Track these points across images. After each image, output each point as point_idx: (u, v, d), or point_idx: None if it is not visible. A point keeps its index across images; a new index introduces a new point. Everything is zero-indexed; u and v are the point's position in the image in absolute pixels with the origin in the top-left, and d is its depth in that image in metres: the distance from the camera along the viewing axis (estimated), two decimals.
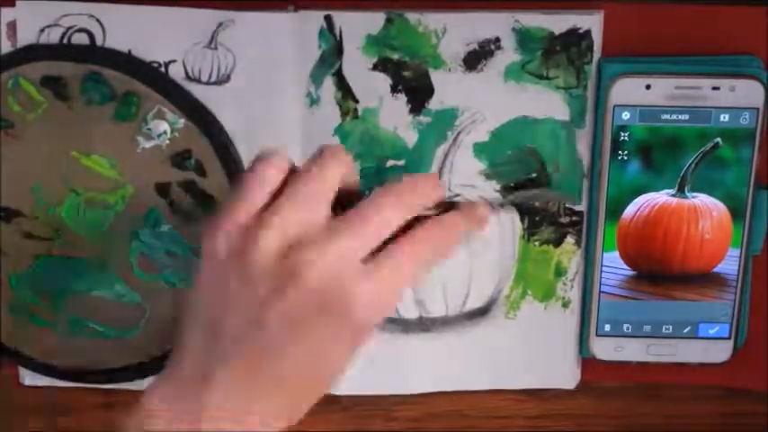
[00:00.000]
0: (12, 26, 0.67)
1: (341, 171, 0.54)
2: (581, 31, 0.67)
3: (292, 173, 0.54)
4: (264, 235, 0.52)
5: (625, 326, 0.73)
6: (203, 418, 0.52)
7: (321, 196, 0.53)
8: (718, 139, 0.68)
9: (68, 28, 0.67)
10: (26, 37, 0.67)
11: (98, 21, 0.67)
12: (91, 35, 0.67)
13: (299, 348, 0.52)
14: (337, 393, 0.75)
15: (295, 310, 0.52)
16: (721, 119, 0.67)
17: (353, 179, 0.56)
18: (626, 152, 0.68)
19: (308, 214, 0.53)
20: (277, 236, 0.52)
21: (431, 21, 0.67)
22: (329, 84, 0.68)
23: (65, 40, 0.67)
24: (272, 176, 0.54)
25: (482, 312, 0.73)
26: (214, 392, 0.52)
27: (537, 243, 0.71)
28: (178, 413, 0.52)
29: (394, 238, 0.54)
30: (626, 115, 0.67)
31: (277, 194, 0.53)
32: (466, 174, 0.70)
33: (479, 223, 0.58)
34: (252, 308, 0.52)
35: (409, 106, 0.69)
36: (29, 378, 0.75)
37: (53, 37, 0.67)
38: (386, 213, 0.53)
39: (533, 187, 0.70)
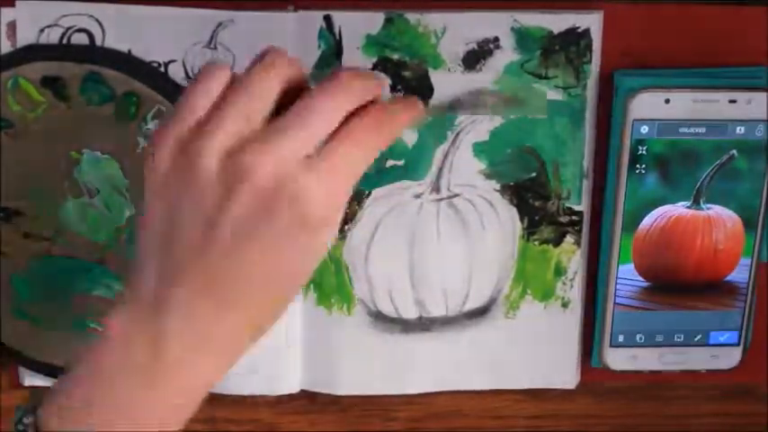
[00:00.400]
0: (11, 26, 0.67)
1: (283, 72, 0.53)
2: (580, 30, 0.67)
3: (234, 82, 0.53)
4: (206, 144, 0.51)
5: (638, 336, 0.73)
6: (161, 346, 0.51)
7: (263, 99, 0.52)
8: (734, 152, 0.68)
9: (68, 28, 0.67)
10: (26, 37, 0.67)
11: (98, 21, 0.67)
12: (90, 35, 0.67)
13: (256, 253, 0.51)
14: (337, 393, 0.75)
15: (246, 213, 0.50)
16: (737, 131, 0.68)
17: (300, 76, 0.54)
18: (643, 166, 0.68)
19: (250, 119, 0.51)
20: (219, 143, 0.51)
21: (430, 21, 0.67)
22: None
23: (64, 41, 0.67)
24: (212, 88, 0.52)
25: (482, 312, 0.73)
26: (172, 315, 0.51)
27: (536, 243, 0.72)
28: (136, 341, 0.51)
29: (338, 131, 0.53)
30: (645, 129, 0.68)
31: (219, 104, 0.52)
32: (466, 173, 0.70)
33: (417, 109, 0.57)
34: (201, 218, 0.51)
35: None
36: (29, 378, 0.75)
37: (53, 37, 0.67)
38: (327, 106, 0.52)
39: (533, 187, 0.70)
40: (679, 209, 0.70)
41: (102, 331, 0.52)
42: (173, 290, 0.51)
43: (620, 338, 0.73)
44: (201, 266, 0.51)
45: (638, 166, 0.68)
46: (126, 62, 0.67)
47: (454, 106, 0.68)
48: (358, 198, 0.70)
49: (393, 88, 0.68)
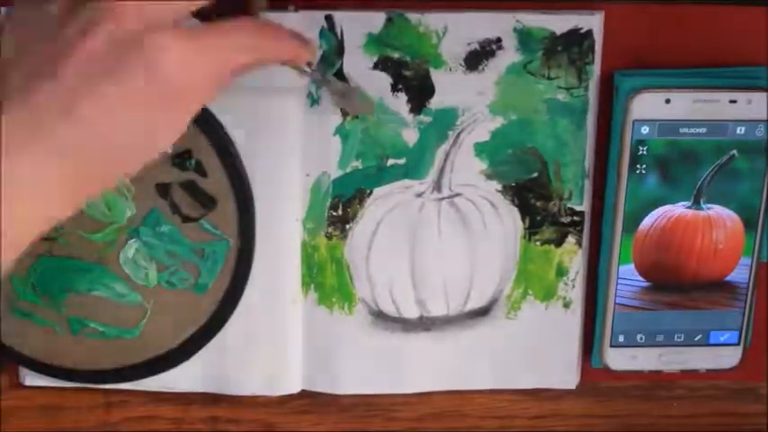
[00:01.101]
0: None
1: None
2: (582, 31, 0.67)
3: None
4: None
5: (638, 336, 0.73)
6: None
7: None
8: (734, 152, 0.68)
9: None
10: None
11: None
12: None
13: (96, 106, 0.47)
14: (337, 393, 0.75)
15: (93, 59, 0.47)
16: (737, 131, 0.68)
17: None
18: (644, 166, 0.68)
19: None
20: None
21: (431, 20, 0.67)
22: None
23: None
24: None
25: (483, 312, 0.73)
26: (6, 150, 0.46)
27: (538, 243, 0.72)
28: None
29: None
30: (645, 130, 0.68)
31: None
32: (467, 173, 0.70)
33: (308, 50, 0.55)
34: (52, 49, 0.47)
35: (410, 106, 0.69)
36: (29, 378, 0.75)
37: None
38: None
39: (535, 187, 0.71)
40: (679, 209, 0.70)
41: None
42: (3, 112, 0.47)
43: (621, 338, 0.73)
44: (36, 96, 0.47)
45: (638, 166, 0.68)
46: None
47: (329, 87, 0.67)
48: (359, 197, 0.70)
49: (394, 88, 0.68)
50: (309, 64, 0.60)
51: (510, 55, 0.68)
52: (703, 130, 0.68)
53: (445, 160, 0.70)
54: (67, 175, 0.48)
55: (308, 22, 0.67)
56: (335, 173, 0.70)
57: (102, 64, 0.47)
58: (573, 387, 0.76)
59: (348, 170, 0.70)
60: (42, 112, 0.47)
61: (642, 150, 0.68)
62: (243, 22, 0.51)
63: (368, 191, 0.70)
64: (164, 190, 0.69)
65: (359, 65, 0.68)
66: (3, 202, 0.46)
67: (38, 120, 0.47)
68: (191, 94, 0.49)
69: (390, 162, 0.70)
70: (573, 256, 0.72)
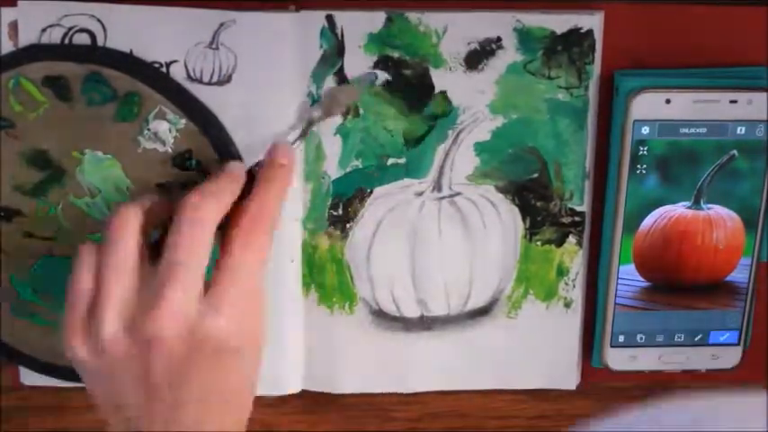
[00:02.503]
0: (13, 26, 0.67)
1: (134, 223, 0.59)
2: (582, 30, 0.67)
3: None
4: (104, 327, 0.56)
5: (638, 336, 0.73)
6: None
7: (125, 263, 0.57)
8: (735, 152, 0.68)
9: (70, 28, 0.66)
10: (27, 37, 0.67)
11: (99, 21, 0.66)
12: (92, 35, 0.67)
13: (194, 393, 0.57)
14: (338, 392, 0.75)
15: (170, 366, 0.56)
16: (738, 131, 0.68)
17: (159, 205, 0.61)
18: (644, 166, 0.68)
19: (126, 280, 0.57)
20: (113, 323, 0.56)
21: (432, 20, 0.67)
22: (331, 83, 0.68)
23: (66, 40, 0.67)
24: (84, 275, 0.58)
25: (484, 312, 0.73)
26: None
27: (539, 243, 0.72)
28: None
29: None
30: (645, 130, 0.68)
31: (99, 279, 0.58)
32: (467, 173, 0.70)
33: (285, 175, 0.63)
34: (135, 382, 0.57)
35: (410, 105, 0.69)
36: (29, 378, 0.75)
37: (54, 37, 0.67)
38: (194, 247, 0.57)
39: (535, 187, 0.71)
40: (679, 209, 0.70)
41: None
42: None
43: (621, 338, 0.73)
44: (152, 419, 0.57)
45: (638, 166, 0.68)
46: (127, 62, 0.67)
47: (311, 122, 0.68)
48: (360, 197, 0.70)
49: (394, 86, 0.68)
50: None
51: (510, 54, 0.68)
52: (703, 130, 0.68)
53: (445, 159, 0.70)
54: None
55: (308, 22, 0.67)
56: (336, 172, 0.70)
57: (177, 371, 0.56)
58: (573, 387, 0.76)
59: (348, 170, 0.70)
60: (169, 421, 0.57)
61: (642, 150, 0.68)
62: (237, 240, 0.59)
63: (368, 190, 0.70)
64: (164, 190, 0.69)
65: (359, 64, 0.68)
66: None
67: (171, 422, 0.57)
68: (250, 333, 0.59)
69: (390, 161, 0.70)
70: (573, 256, 0.72)
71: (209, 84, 0.67)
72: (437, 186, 0.70)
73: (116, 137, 0.68)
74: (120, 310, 0.57)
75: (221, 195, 0.60)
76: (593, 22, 0.67)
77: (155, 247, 0.60)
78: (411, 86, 0.68)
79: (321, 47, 0.67)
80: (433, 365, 0.74)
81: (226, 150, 0.68)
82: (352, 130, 0.69)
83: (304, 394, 0.75)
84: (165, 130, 0.68)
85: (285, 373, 0.74)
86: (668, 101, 0.67)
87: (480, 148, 0.70)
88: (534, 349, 0.74)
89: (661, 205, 0.70)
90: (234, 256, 0.58)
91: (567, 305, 0.73)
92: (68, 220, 0.70)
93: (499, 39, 0.67)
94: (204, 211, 0.58)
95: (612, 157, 0.69)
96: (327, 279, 0.72)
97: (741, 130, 0.68)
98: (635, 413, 0.39)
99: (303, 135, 0.67)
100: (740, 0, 0.68)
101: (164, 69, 0.67)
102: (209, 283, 0.58)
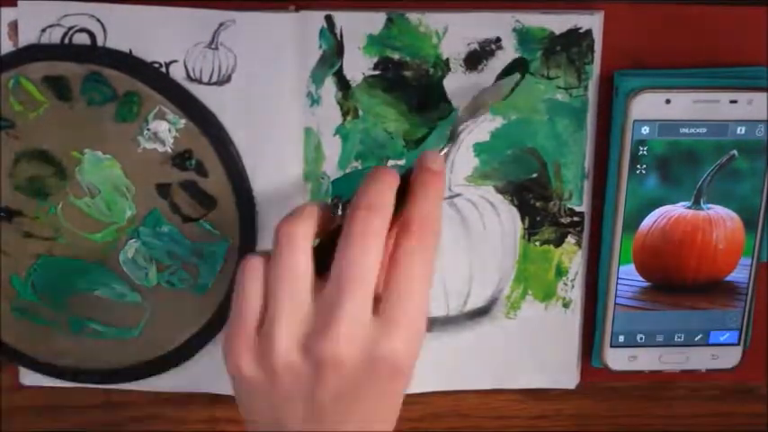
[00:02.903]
0: (13, 26, 0.67)
1: (303, 235, 0.55)
2: (582, 31, 0.67)
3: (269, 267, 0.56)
4: (277, 346, 0.54)
5: (638, 336, 0.73)
6: None
7: (298, 275, 0.55)
8: (735, 152, 0.68)
9: (69, 28, 0.67)
10: (27, 37, 0.67)
11: (99, 21, 0.67)
12: (92, 35, 0.67)
13: (362, 412, 0.55)
14: None
15: (343, 388, 0.54)
16: (738, 131, 0.68)
17: (324, 214, 0.58)
18: (644, 166, 0.68)
19: (300, 298, 0.54)
20: (288, 338, 0.54)
21: (432, 21, 0.67)
22: (330, 84, 0.68)
23: (66, 40, 0.67)
24: (255, 284, 0.56)
25: (483, 312, 0.73)
26: None
27: (538, 243, 0.72)
28: None
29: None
30: (645, 130, 0.68)
31: (269, 298, 0.55)
32: (466, 174, 0.70)
33: (438, 180, 0.59)
34: (302, 402, 0.55)
35: (410, 106, 0.69)
36: (29, 378, 0.75)
37: (54, 37, 0.67)
38: (361, 261, 0.54)
39: (535, 188, 0.71)
40: (679, 209, 0.70)
41: None
42: None
43: (621, 338, 0.73)
44: None
45: (638, 166, 0.68)
46: (127, 62, 0.67)
47: (457, 125, 0.66)
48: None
49: (395, 88, 0.68)
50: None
51: (509, 55, 0.68)
52: (703, 130, 0.68)
53: (445, 160, 0.69)
54: None
55: (307, 23, 0.67)
56: (335, 173, 0.70)
57: (348, 392, 0.55)
58: (573, 387, 0.76)
59: (348, 170, 0.70)
60: None
61: (642, 150, 0.68)
62: (406, 255, 0.56)
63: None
64: (164, 190, 0.69)
65: (359, 65, 0.68)
66: None
67: None
68: (417, 355, 0.56)
69: (390, 162, 0.70)
70: (572, 256, 0.72)
71: (209, 84, 0.68)
72: None
73: (116, 137, 0.68)
74: (292, 327, 0.54)
75: (386, 207, 0.56)
76: (592, 22, 0.67)
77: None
78: (411, 87, 0.68)
79: (320, 47, 0.67)
80: (432, 366, 0.74)
81: (225, 150, 0.68)
82: (351, 131, 0.69)
83: None
84: (165, 130, 0.68)
85: None
86: (668, 101, 0.67)
87: (480, 148, 0.70)
88: (534, 349, 0.74)
89: (661, 205, 0.70)
90: (404, 272, 0.55)
91: (566, 305, 0.73)
92: (68, 220, 0.70)
93: (499, 39, 0.67)
94: (374, 224, 0.55)
95: (612, 157, 0.69)
96: None
97: (741, 130, 0.68)
98: None
99: (451, 139, 0.65)
100: (740, 0, 0.68)
101: (163, 69, 0.67)
102: (378, 296, 0.55)
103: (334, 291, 0.54)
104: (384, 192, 0.56)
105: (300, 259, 0.55)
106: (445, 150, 0.62)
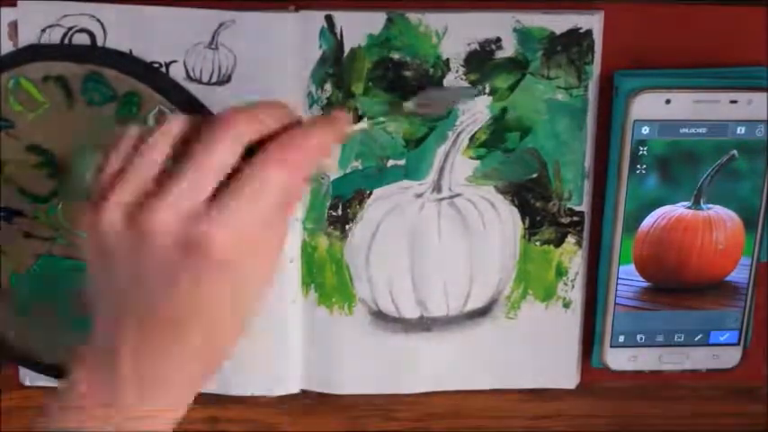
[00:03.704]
0: (13, 26, 0.67)
1: (170, 134, 0.54)
2: (582, 31, 0.67)
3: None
4: (108, 204, 0.53)
5: (638, 336, 0.73)
6: (118, 390, 0.53)
7: (158, 148, 0.53)
8: (735, 152, 0.68)
9: (69, 28, 0.67)
10: (27, 37, 0.67)
11: (99, 21, 0.67)
12: (92, 35, 0.67)
13: (180, 295, 0.53)
14: (337, 393, 0.75)
15: (159, 261, 0.52)
16: (738, 131, 0.68)
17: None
18: (644, 166, 0.68)
19: (144, 173, 0.53)
20: (119, 201, 0.53)
21: (432, 21, 0.67)
22: (330, 84, 0.68)
23: (66, 41, 0.67)
24: (115, 159, 0.55)
25: (483, 312, 0.73)
26: (122, 363, 0.53)
27: (538, 243, 0.72)
28: (97, 388, 0.54)
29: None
30: (645, 130, 0.68)
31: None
32: (467, 173, 0.70)
33: (337, 128, 0.57)
34: (125, 269, 0.53)
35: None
36: (29, 378, 0.75)
37: (54, 37, 0.67)
38: (214, 152, 0.52)
39: (535, 188, 0.71)
40: (679, 209, 0.70)
41: (69, 382, 0.55)
42: (118, 335, 0.53)
43: (621, 339, 0.73)
44: (136, 309, 0.53)
45: (638, 166, 0.68)
46: (127, 62, 0.67)
47: (397, 110, 0.67)
48: (359, 197, 0.70)
49: (394, 88, 0.68)
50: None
51: (510, 55, 0.68)
52: (704, 130, 0.68)
53: (445, 160, 0.70)
54: (189, 362, 0.55)
55: (307, 23, 0.67)
56: (335, 173, 0.70)
57: (167, 267, 0.53)
58: (573, 387, 0.76)
59: (348, 170, 0.70)
60: (150, 320, 0.54)
61: (642, 150, 0.68)
62: (264, 159, 0.53)
63: (367, 191, 0.70)
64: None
65: (359, 65, 0.68)
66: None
67: (150, 326, 0.54)
68: (244, 254, 0.53)
69: (390, 163, 0.70)
70: (572, 256, 0.72)
71: (209, 84, 0.68)
72: (437, 188, 0.70)
73: (116, 137, 0.68)
74: (126, 195, 0.53)
75: (261, 117, 0.54)
76: (592, 22, 0.67)
77: None
78: (411, 87, 0.68)
79: (320, 47, 0.67)
80: (432, 366, 0.74)
81: None
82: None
83: (304, 394, 0.75)
84: None
85: (285, 374, 0.74)
86: (668, 101, 0.67)
87: (480, 148, 0.69)
88: (534, 349, 0.74)
89: (661, 205, 0.70)
90: (257, 167, 0.53)
91: (566, 305, 0.73)
92: (68, 221, 0.70)
93: (499, 39, 0.67)
94: (239, 121, 0.53)
95: (612, 158, 0.69)
96: (327, 279, 0.72)
97: (741, 130, 0.68)
98: None
99: (385, 116, 0.67)
100: (740, 0, 0.68)
101: (163, 69, 0.67)
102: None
103: (175, 171, 0.53)
104: (272, 111, 0.55)
105: (159, 143, 0.54)
106: (368, 122, 0.64)
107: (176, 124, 0.54)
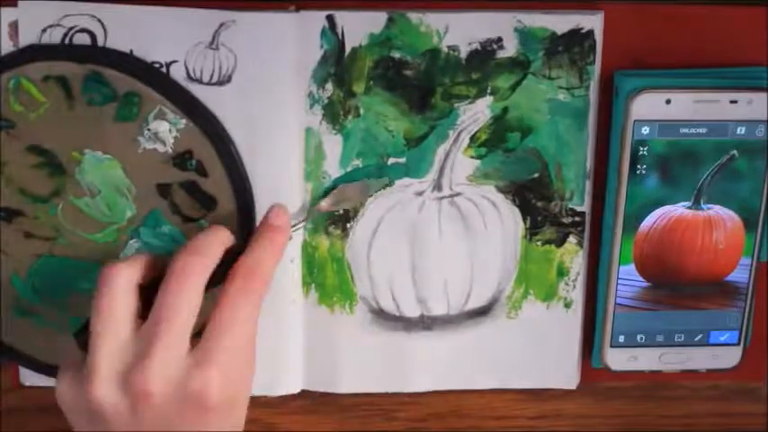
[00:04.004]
0: (13, 26, 0.67)
1: (130, 276, 0.59)
2: (583, 31, 0.67)
3: None
4: (95, 376, 0.57)
5: (639, 336, 0.73)
6: None
7: (115, 318, 0.58)
8: (735, 152, 0.68)
9: (70, 28, 0.67)
10: (28, 37, 0.67)
11: (99, 21, 0.66)
12: (92, 35, 0.67)
13: None
14: (338, 392, 0.75)
15: (156, 421, 0.56)
16: (738, 131, 0.68)
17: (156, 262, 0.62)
18: (644, 166, 0.68)
19: (117, 339, 0.57)
20: (106, 369, 0.57)
21: (432, 20, 0.67)
22: (331, 83, 0.68)
23: (66, 41, 0.67)
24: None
25: (484, 312, 0.73)
26: None
27: (539, 243, 0.72)
28: None
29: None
30: (645, 130, 0.68)
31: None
32: (468, 173, 0.70)
33: (281, 238, 0.63)
34: None
35: (411, 105, 0.69)
36: (29, 378, 0.75)
37: (55, 37, 0.67)
38: (181, 302, 0.57)
39: (536, 188, 0.71)
40: (680, 209, 0.70)
41: None
42: None
43: (621, 339, 0.73)
44: None
45: (638, 166, 0.68)
46: (128, 62, 0.67)
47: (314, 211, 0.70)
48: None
49: (394, 88, 0.68)
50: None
51: (511, 55, 0.68)
52: (704, 130, 0.68)
53: (445, 159, 0.70)
54: None
55: (308, 22, 0.67)
56: (336, 172, 0.70)
57: (164, 424, 0.57)
58: (573, 387, 0.76)
59: (349, 169, 0.70)
60: None
61: (643, 151, 0.68)
62: (228, 296, 0.60)
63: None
64: (164, 190, 0.69)
65: (360, 64, 0.68)
66: None
67: None
68: (239, 390, 0.60)
69: (391, 161, 0.70)
70: (574, 256, 0.72)
71: (210, 84, 0.67)
72: (437, 186, 0.70)
73: (116, 137, 0.68)
74: (110, 363, 0.57)
75: (208, 252, 0.60)
76: (593, 22, 0.67)
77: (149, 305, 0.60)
78: (412, 87, 0.68)
79: (321, 47, 0.67)
80: (433, 365, 0.74)
81: (225, 150, 0.68)
82: (352, 130, 0.69)
83: (304, 394, 0.75)
84: (165, 131, 0.68)
85: (285, 373, 0.74)
86: (668, 101, 0.67)
87: (481, 148, 0.70)
88: (534, 349, 0.74)
89: (661, 205, 0.70)
90: (225, 312, 0.59)
91: (567, 305, 0.73)
92: (69, 221, 0.70)
93: (500, 39, 0.67)
94: (190, 268, 0.59)
95: (613, 158, 0.69)
96: (327, 278, 0.72)
97: (741, 130, 0.68)
98: None
99: (304, 220, 0.70)
100: (740, 0, 0.68)
101: (164, 69, 0.67)
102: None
103: (152, 326, 0.57)
104: (211, 242, 0.61)
105: (118, 299, 0.58)
106: (297, 225, 0.68)
107: (126, 276, 0.59)
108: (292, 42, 0.67)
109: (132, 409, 0.56)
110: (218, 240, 0.62)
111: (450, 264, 0.72)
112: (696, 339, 0.73)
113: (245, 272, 0.60)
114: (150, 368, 0.56)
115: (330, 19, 0.67)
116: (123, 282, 0.59)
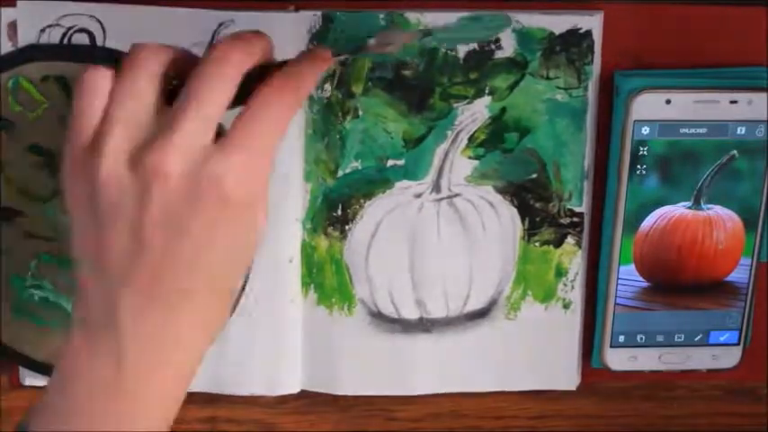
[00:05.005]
0: (12, 26, 0.67)
1: (153, 64, 0.53)
2: (581, 31, 0.67)
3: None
4: (105, 153, 0.51)
5: (638, 336, 0.73)
6: (121, 357, 0.52)
7: (141, 96, 0.52)
8: (735, 152, 0.68)
9: (69, 28, 0.67)
10: (27, 37, 0.67)
11: (98, 21, 0.67)
12: (91, 35, 0.67)
13: (189, 247, 0.51)
14: (337, 393, 0.75)
15: (168, 211, 0.51)
16: (738, 132, 0.68)
17: (182, 54, 0.55)
18: (644, 166, 0.68)
19: (139, 117, 0.52)
20: (117, 148, 0.51)
21: (430, 20, 0.67)
22: (329, 84, 0.68)
23: (65, 41, 0.67)
24: (97, 96, 0.53)
25: (483, 313, 0.73)
26: (123, 328, 0.52)
27: (537, 244, 0.72)
28: (97, 358, 0.53)
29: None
30: (645, 130, 0.68)
31: (108, 110, 0.53)
32: (466, 173, 0.70)
33: (322, 61, 0.57)
34: (124, 225, 0.51)
35: (409, 106, 0.68)
36: (29, 378, 0.75)
37: (54, 37, 0.67)
38: (216, 87, 0.52)
39: (534, 188, 0.71)
40: (680, 209, 0.70)
41: (66, 353, 0.54)
42: (118, 302, 0.52)
43: (621, 339, 0.73)
44: (138, 272, 0.52)
45: (638, 166, 0.68)
46: None
47: (362, 48, 0.63)
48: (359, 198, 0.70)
49: (392, 88, 0.68)
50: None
51: (509, 55, 0.68)
52: (704, 130, 0.68)
53: (444, 160, 0.70)
54: (192, 321, 0.54)
55: (307, 22, 0.67)
56: (335, 173, 0.70)
57: (175, 214, 0.51)
58: (573, 387, 0.76)
59: (347, 170, 0.70)
60: (150, 280, 0.52)
61: (642, 151, 0.68)
62: (264, 92, 0.53)
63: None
64: None
65: (358, 65, 0.68)
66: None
67: (151, 286, 0.52)
68: (256, 191, 0.53)
69: (389, 163, 0.70)
70: (572, 256, 0.72)
71: None
72: (436, 187, 0.70)
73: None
74: (123, 142, 0.51)
75: (252, 47, 0.54)
76: (592, 22, 0.67)
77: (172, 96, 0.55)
78: (410, 87, 0.68)
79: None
80: (432, 367, 0.74)
81: None
82: (351, 132, 0.69)
83: (304, 394, 0.75)
84: None
85: (284, 374, 0.74)
86: (668, 101, 0.67)
87: (479, 148, 0.69)
88: (534, 350, 0.74)
89: (661, 205, 0.70)
90: (257, 107, 0.53)
91: (566, 306, 0.73)
92: (68, 221, 0.70)
93: (498, 39, 0.67)
94: (232, 53, 0.53)
95: (612, 158, 0.69)
96: (326, 280, 0.72)
97: (741, 130, 0.68)
98: None
99: (351, 54, 0.66)
100: (740, 0, 0.68)
101: None
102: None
103: (177, 107, 0.52)
104: (257, 39, 0.55)
105: (146, 76, 0.53)
106: (341, 57, 0.63)
107: (156, 60, 0.53)
108: (291, 42, 0.67)
109: (142, 192, 0.51)
110: (263, 40, 0.56)
111: (449, 265, 0.72)
112: (696, 339, 0.73)
113: (284, 76, 0.54)
114: (170, 148, 0.50)
115: (329, 19, 0.67)
116: (153, 65, 0.53)
